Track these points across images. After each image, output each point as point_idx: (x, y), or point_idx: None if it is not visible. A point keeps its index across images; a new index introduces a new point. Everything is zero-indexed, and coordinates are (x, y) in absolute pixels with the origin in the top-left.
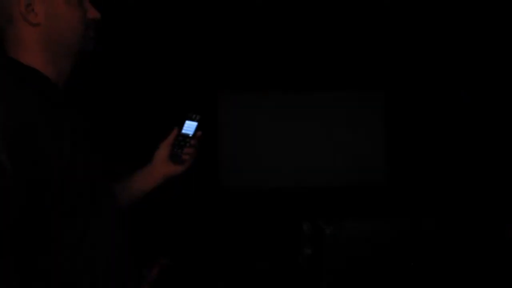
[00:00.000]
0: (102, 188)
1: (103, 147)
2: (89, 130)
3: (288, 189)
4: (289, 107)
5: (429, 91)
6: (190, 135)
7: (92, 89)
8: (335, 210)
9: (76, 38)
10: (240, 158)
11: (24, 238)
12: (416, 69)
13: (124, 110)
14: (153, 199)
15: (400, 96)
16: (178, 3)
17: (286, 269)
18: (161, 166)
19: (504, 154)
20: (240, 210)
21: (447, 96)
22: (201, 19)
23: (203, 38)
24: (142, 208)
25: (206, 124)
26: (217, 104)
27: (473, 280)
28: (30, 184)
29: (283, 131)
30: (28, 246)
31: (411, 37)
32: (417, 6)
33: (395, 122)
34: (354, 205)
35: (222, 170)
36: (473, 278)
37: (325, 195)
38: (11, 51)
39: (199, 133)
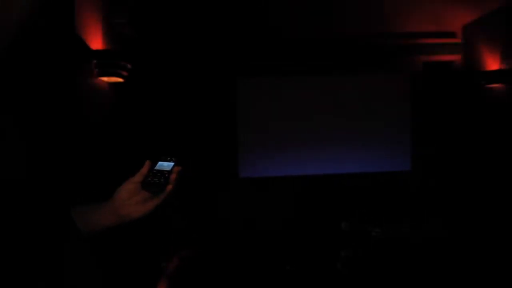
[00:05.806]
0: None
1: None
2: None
3: (311, 177)
4: (310, 90)
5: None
6: (167, 170)
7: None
8: (361, 198)
9: None
10: (260, 146)
11: None
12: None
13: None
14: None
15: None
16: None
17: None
18: (121, 205)
19: None
20: (258, 198)
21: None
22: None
23: (220, 25)
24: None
25: (226, 113)
26: (236, 92)
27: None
28: None
29: (305, 117)
30: None
31: None
32: None
33: (420, 106)
34: (379, 192)
35: (242, 160)
36: None
37: (349, 181)
38: None
39: (178, 167)
